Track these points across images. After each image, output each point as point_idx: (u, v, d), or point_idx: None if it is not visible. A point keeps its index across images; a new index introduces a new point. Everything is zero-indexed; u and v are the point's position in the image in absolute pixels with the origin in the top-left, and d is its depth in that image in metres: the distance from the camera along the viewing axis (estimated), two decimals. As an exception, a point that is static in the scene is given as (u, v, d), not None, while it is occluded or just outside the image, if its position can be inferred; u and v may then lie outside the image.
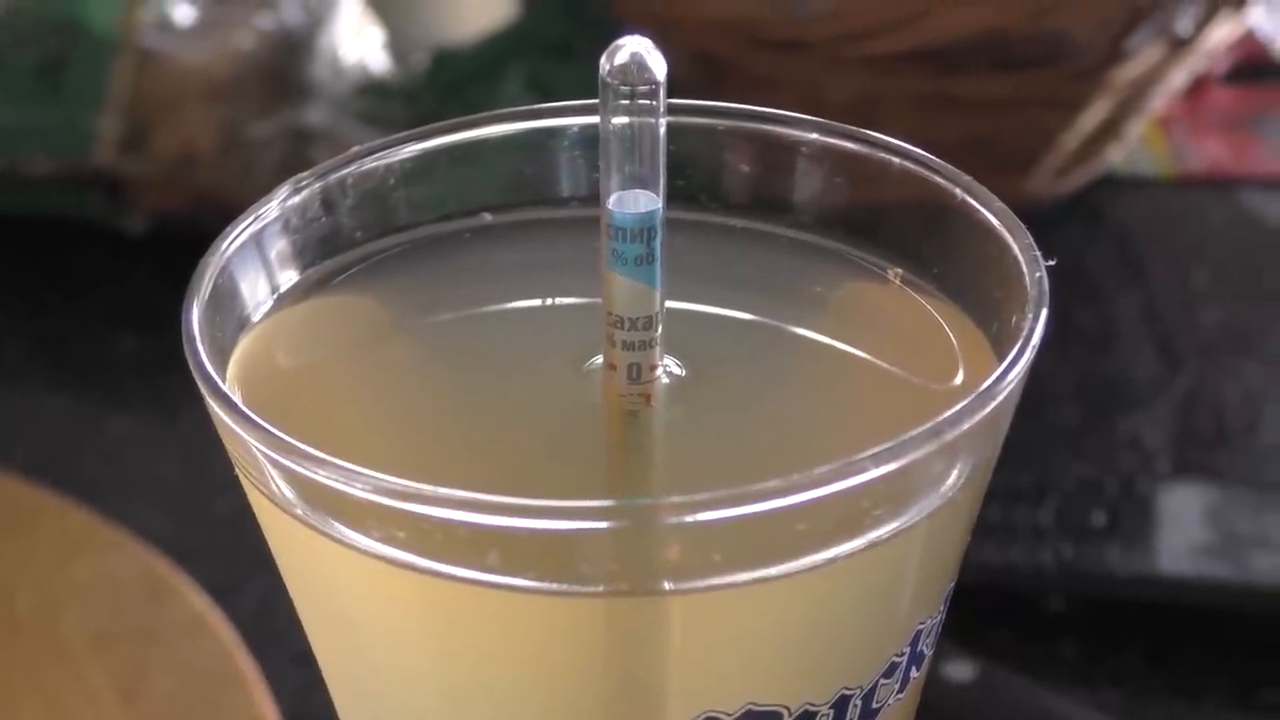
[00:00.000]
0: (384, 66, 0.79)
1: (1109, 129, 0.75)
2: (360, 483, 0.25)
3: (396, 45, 0.81)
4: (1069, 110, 0.73)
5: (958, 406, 0.26)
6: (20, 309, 0.75)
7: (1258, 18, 0.80)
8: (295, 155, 0.75)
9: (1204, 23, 0.72)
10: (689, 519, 0.25)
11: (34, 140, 0.75)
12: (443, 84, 0.77)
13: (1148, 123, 0.78)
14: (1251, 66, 0.85)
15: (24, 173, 0.76)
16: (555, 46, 0.75)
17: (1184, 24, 0.71)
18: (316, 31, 0.77)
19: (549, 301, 0.33)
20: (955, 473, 0.27)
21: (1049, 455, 0.64)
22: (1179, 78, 0.74)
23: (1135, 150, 0.80)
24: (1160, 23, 0.71)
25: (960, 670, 0.53)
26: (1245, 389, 0.68)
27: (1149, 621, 0.57)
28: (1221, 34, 0.73)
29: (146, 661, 0.55)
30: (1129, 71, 0.72)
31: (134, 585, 0.57)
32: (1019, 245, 0.30)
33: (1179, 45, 0.72)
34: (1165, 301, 0.74)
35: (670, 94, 0.29)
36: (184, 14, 0.75)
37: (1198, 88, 0.82)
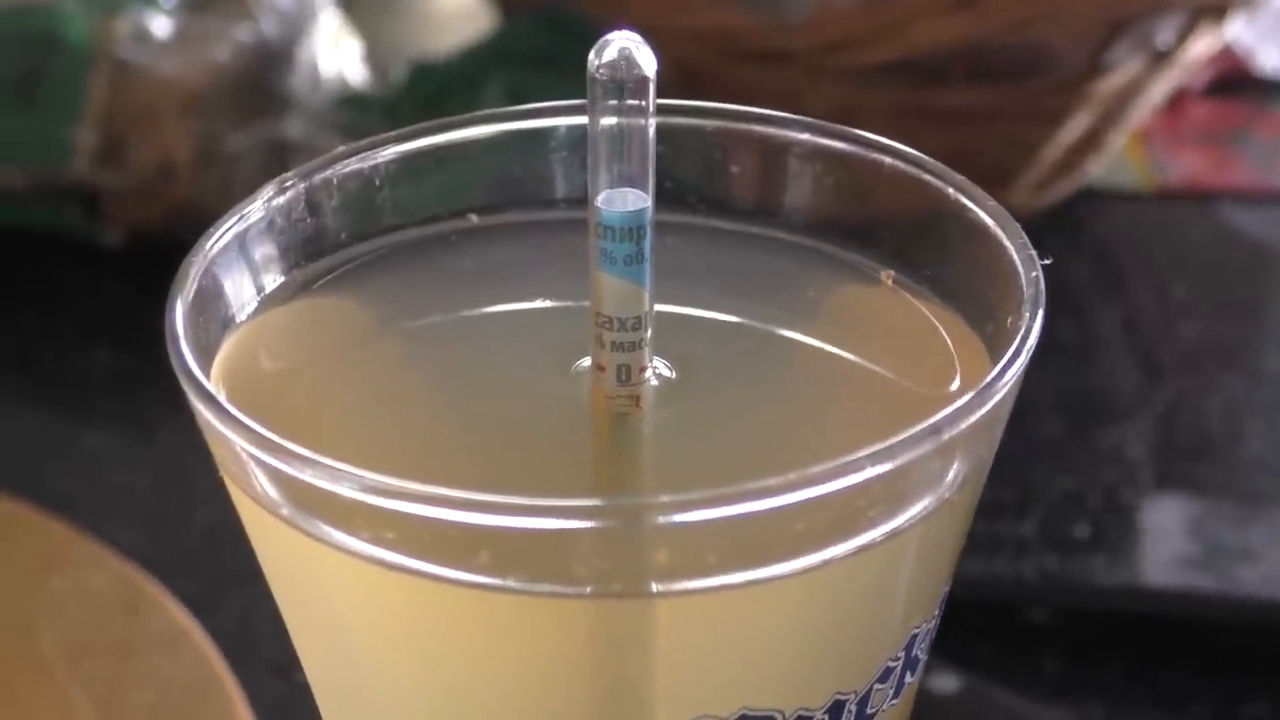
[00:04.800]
0: (363, 79, 0.79)
1: (1089, 142, 0.75)
2: (348, 482, 0.25)
3: (375, 57, 0.81)
4: (1049, 123, 0.73)
5: (955, 405, 0.26)
6: (-7, 323, 0.74)
7: (1237, 31, 0.80)
8: (273, 168, 0.74)
9: (1184, 36, 0.72)
10: (682, 518, 0.25)
11: (9, 153, 0.75)
12: (422, 96, 0.77)
13: (1127, 137, 0.78)
14: (1231, 80, 0.85)
15: (-1, 186, 0.75)
16: (534, 58, 0.75)
17: (1164, 37, 0.71)
18: (295, 44, 0.76)
19: (537, 304, 0.32)
20: (952, 473, 0.27)
21: (1032, 468, 0.64)
22: (1159, 90, 0.74)
23: (1115, 163, 0.80)
24: (1140, 35, 0.71)
25: (944, 682, 0.52)
26: (1227, 402, 0.68)
27: (1132, 634, 0.57)
28: (1201, 47, 0.73)
29: (124, 675, 0.54)
30: (1109, 84, 0.72)
31: (112, 599, 0.56)
32: (1014, 245, 0.29)
33: (1159, 58, 0.72)
34: (1146, 314, 0.74)
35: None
36: (161, 26, 0.75)
37: (1177, 101, 0.82)
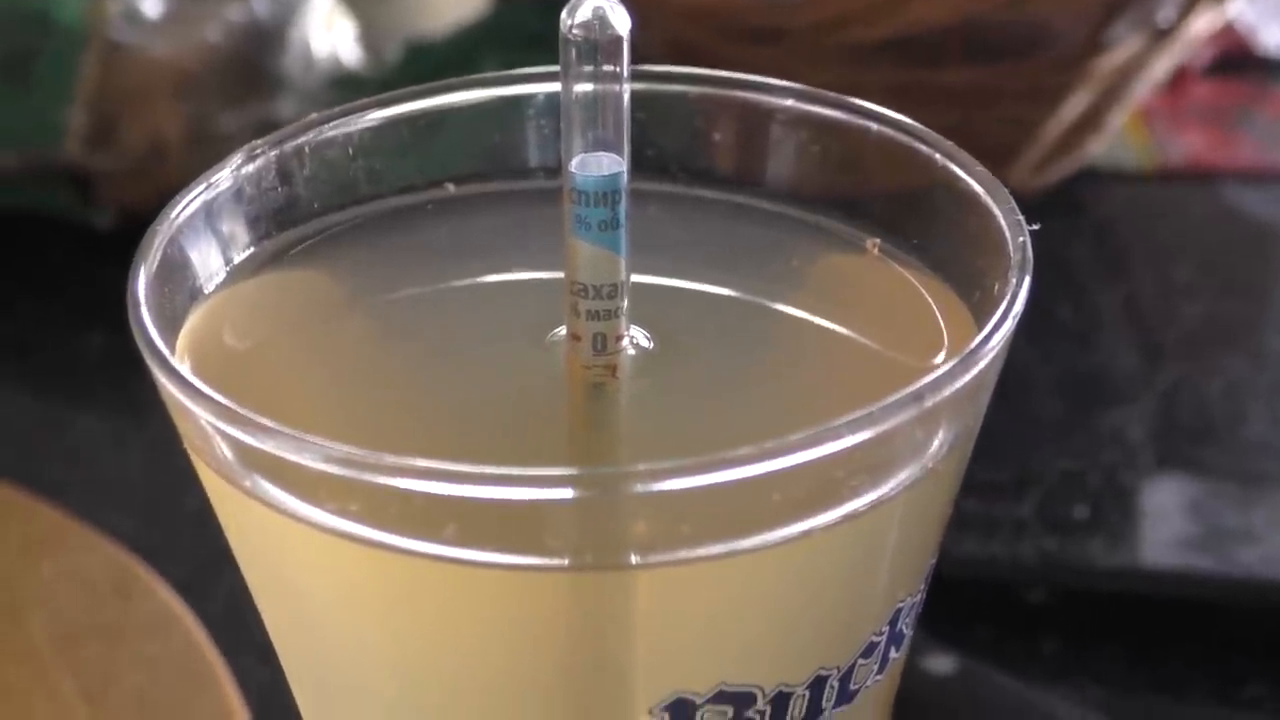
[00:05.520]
0: (356, 59, 0.78)
1: (1089, 120, 0.74)
2: (310, 452, 0.24)
3: (369, 37, 0.80)
4: (1049, 101, 0.72)
5: (939, 371, 0.25)
6: (-15, 306, 0.74)
7: (1239, 9, 0.80)
8: (265, 149, 0.74)
9: (1185, 13, 0.71)
10: (657, 487, 0.24)
11: (1, 134, 0.74)
12: (416, 76, 0.76)
13: (1128, 116, 0.77)
14: (1233, 59, 0.85)
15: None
16: (529, 38, 0.74)
17: (1165, 14, 0.71)
18: (287, 24, 0.76)
19: (514, 275, 0.32)
20: (936, 442, 0.26)
21: (1031, 449, 0.63)
22: (1160, 68, 0.74)
23: (1115, 143, 0.79)
24: (1141, 12, 0.70)
25: (941, 663, 0.52)
26: (1228, 383, 0.68)
27: (1132, 616, 0.56)
28: (1203, 25, 0.72)
29: (114, 660, 0.54)
30: (1109, 61, 0.71)
31: (101, 583, 0.56)
32: (1001, 211, 0.29)
33: (1160, 35, 0.71)
34: (1147, 295, 0.74)
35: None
36: (152, 6, 0.74)
37: (1178, 80, 0.81)
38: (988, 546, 0.56)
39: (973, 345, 0.26)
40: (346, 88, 0.76)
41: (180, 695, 0.53)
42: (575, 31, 0.27)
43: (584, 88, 0.27)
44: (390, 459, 0.24)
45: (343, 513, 0.25)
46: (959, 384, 0.25)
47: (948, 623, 0.53)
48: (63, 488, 0.61)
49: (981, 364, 0.26)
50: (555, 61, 0.28)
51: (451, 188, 0.33)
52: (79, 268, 0.75)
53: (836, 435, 0.24)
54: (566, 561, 0.25)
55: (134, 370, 0.71)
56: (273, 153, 0.31)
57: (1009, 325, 0.26)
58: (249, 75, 0.74)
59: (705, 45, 0.69)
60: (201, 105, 0.73)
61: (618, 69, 0.27)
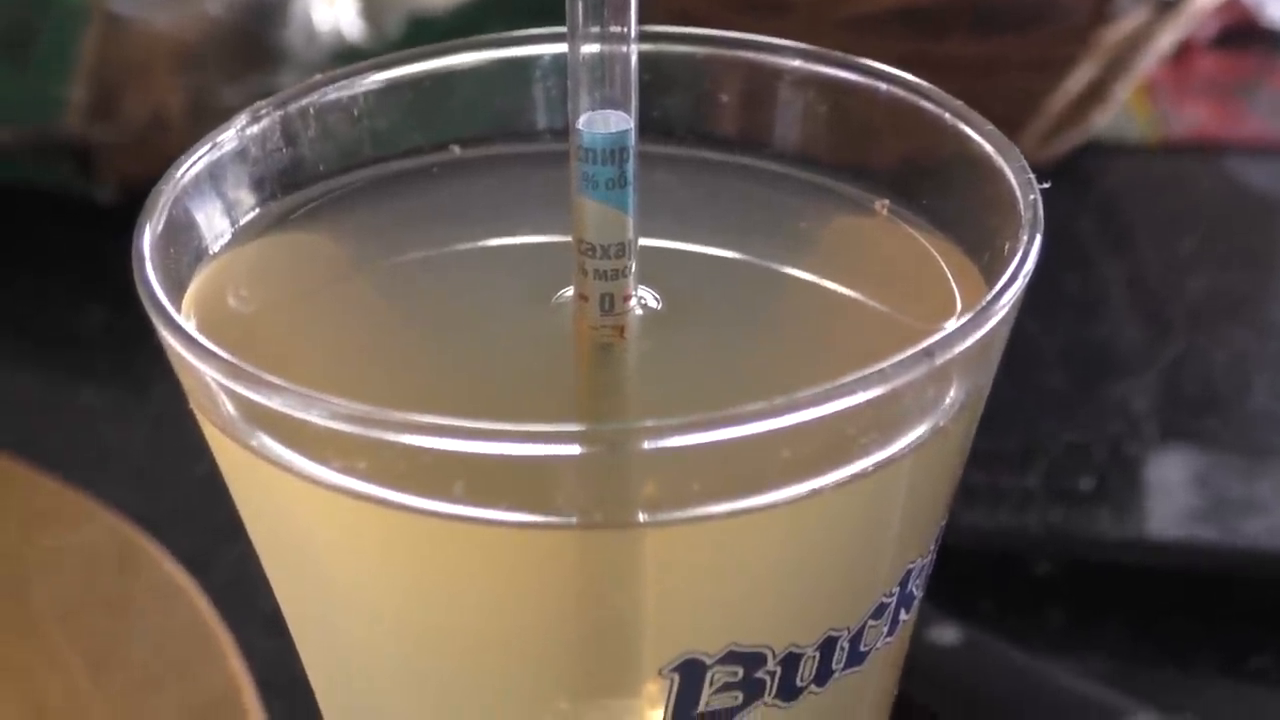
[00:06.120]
0: (358, 32, 0.78)
1: (1095, 93, 0.74)
2: (318, 409, 0.24)
3: (371, 10, 0.80)
4: (1054, 73, 0.72)
5: (950, 329, 0.25)
6: (-14, 280, 0.73)
7: (1245, -19, 0.79)
8: (267, 122, 0.73)
9: (1191, -16, 0.71)
10: (666, 443, 0.24)
11: (2, 109, 0.74)
12: (418, 50, 0.76)
13: (1133, 88, 0.77)
14: (1238, 31, 0.84)
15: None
16: (533, 10, 0.74)
17: (1170, -15, 0.70)
18: (289, -3, 0.75)
19: (520, 238, 0.32)
20: (948, 400, 0.26)
21: (1037, 421, 0.63)
22: (1165, 41, 0.73)
23: (1120, 116, 0.79)
24: (1146, -17, 0.70)
25: (946, 634, 0.52)
26: (1233, 355, 0.68)
27: (1137, 587, 0.56)
28: (1208, -4, 0.72)
29: (117, 632, 0.54)
30: (1115, 33, 0.71)
31: (104, 555, 0.56)
32: (1012, 169, 0.28)
33: (1165, 7, 0.71)
34: (1152, 268, 0.74)
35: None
36: (153, -21, 0.74)
37: (1183, 53, 0.81)
38: (993, 518, 0.56)
39: (984, 302, 0.26)
40: (348, 61, 0.76)
41: (185, 667, 0.52)
42: (580, -15, 0.26)
43: (591, 45, 0.27)
44: (398, 415, 0.24)
45: (350, 471, 0.25)
46: (970, 341, 0.25)
47: (953, 594, 0.53)
48: (65, 462, 0.61)
49: (993, 321, 0.25)
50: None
51: (457, 150, 0.32)
52: (80, 242, 0.75)
53: (847, 392, 0.24)
54: (575, 519, 0.25)
55: (136, 344, 0.70)
56: (277, 114, 0.31)
57: (1020, 283, 0.26)
58: (250, 48, 0.74)
59: (710, 17, 0.69)
60: (202, 78, 0.73)
61: (625, 26, 0.27)
